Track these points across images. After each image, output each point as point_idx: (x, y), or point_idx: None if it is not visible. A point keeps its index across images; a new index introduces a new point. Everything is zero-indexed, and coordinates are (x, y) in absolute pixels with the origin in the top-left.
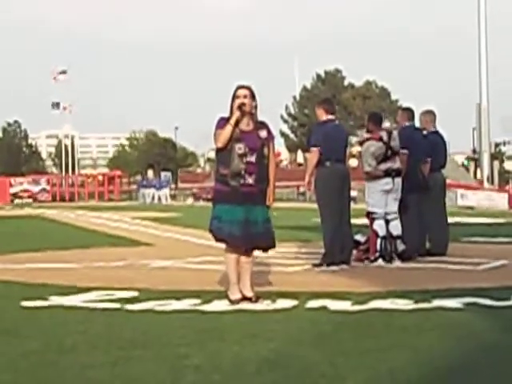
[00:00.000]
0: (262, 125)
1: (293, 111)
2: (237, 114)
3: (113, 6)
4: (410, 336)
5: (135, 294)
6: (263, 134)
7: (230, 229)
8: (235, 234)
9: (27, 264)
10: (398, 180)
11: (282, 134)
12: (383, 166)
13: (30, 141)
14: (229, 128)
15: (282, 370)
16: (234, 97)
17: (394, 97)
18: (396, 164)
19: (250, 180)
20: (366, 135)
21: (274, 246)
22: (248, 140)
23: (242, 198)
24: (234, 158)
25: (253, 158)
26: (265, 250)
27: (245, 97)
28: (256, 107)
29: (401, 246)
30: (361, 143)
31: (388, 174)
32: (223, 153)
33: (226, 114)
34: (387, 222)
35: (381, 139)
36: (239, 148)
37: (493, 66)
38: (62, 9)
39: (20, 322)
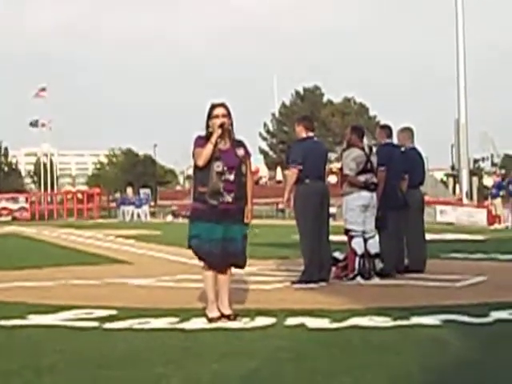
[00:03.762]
0: (239, 143)
1: (271, 128)
2: (218, 132)
3: (90, 23)
4: (389, 353)
5: (113, 312)
6: (240, 152)
7: (210, 247)
8: (214, 252)
9: (5, 283)
10: (375, 195)
11: (261, 151)
12: (362, 177)
13: (9, 158)
14: (210, 147)
15: None
16: (211, 115)
17: (372, 113)
18: (374, 178)
19: (229, 198)
20: (354, 139)
21: (244, 265)
22: (226, 158)
23: (221, 215)
24: (213, 177)
25: (231, 177)
26: (241, 267)
27: (223, 116)
28: (232, 125)
29: (379, 264)
30: (343, 150)
31: (366, 186)
32: (201, 171)
33: (203, 132)
34: (365, 240)
35: (363, 149)
36: (217, 166)
37: (471, 82)
38: (39, 27)
39: None
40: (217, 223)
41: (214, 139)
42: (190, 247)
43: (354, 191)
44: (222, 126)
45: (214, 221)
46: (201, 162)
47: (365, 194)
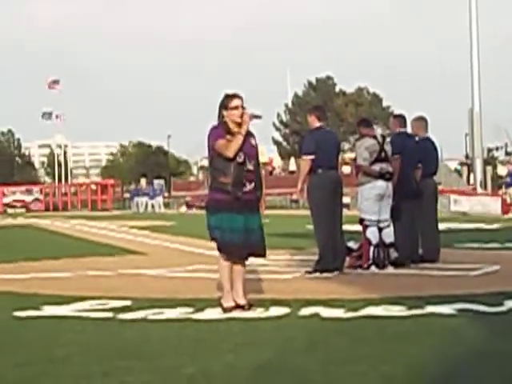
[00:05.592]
0: (250, 134)
1: (285, 119)
2: (248, 124)
3: (102, 16)
4: (403, 343)
5: (128, 303)
6: (254, 142)
7: (231, 237)
8: (236, 243)
9: (20, 274)
10: (390, 184)
11: (275, 142)
12: (377, 167)
13: (22, 150)
14: (240, 138)
15: (275, 378)
16: (228, 106)
17: (385, 103)
18: (389, 167)
19: (250, 188)
20: (364, 130)
21: (265, 254)
22: (245, 149)
23: (242, 205)
24: (235, 167)
25: (251, 166)
26: (261, 256)
27: (242, 107)
28: None
29: (393, 254)
30: (356, 140)
31: (382, 175)
32: (221, 161)
33: (216, 123)
34: (380, 229)
35: (375, 138)
36: (239, 157)
37: (485, 71)
38: (53, 20)
39: (12, 333)
40: (238, 213)
41: (243, 131)
42: (212, 239)
43: (370, 181)
44: (258, 116)
45: (235, 211)
46: (231, 154)
47: (380, 183)
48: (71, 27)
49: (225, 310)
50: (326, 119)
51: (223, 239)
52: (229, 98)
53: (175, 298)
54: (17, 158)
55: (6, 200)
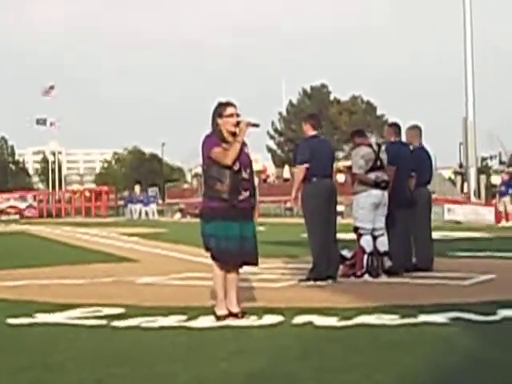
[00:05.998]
0: (243, 143)
1: (279, 127)
2: (244, 132)
3: (98, 22)
4: (396, 351)
5: (122, 310)
6: (247, 150)
7: (227, 245)
8: (231, 251)
9: (13, 281)
10: (386, 193)
11: (269, 150)
12: (372, 175)
13: (16, 157)
14: (238, 146)
15: None
16: (222, 114)
17: (379, 112)
18: (385, 176)
19: (246, 196)
20: (358, 140)
21: (258, 263)
22: (241, 157)
23: (238, 214)
24: (231, 175)
25: (246, 175)
26: (253, 264)
27: (237, 115)
28: None
29: (387, 262)
30: (352, 149)
31: (377, 184)
32: (216, 169)
33: (209, 131)
34: (374, 238)
35: (371, 146)
36: (235, 165)
37: (479, 79)
38: (47, 27)
39: (5, 340)
40: (233, 221)
41: (240, 138)
42: (207, 249)
43: (366, 189)
44: (256, 125)
45: (231, 219)
46: (230, 162)
47: (376, 192)
48: (71, 27)
49: (218, 318)
50: (320, 128)
51: (218, 247)
52: (223, 106)
53: (168, 305)
54: (11, 165)
55: (0, 207)
